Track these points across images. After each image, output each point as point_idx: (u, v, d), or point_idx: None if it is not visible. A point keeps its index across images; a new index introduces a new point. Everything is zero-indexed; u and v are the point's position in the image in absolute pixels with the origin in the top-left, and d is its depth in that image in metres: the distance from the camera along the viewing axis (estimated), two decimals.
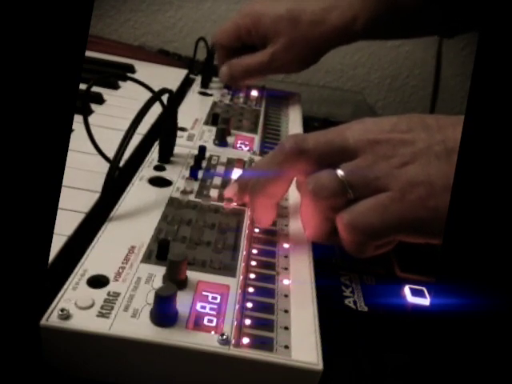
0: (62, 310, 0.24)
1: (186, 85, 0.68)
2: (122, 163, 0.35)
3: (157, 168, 0.40)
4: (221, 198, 0.38)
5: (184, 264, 0.27)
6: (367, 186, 0.31)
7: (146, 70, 0.72)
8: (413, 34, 0.67)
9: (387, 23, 0.59)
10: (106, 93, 0.59)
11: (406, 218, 0.30)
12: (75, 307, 0.25)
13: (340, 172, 0.32)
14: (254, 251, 0.32)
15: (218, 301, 0.27)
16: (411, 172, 0.31)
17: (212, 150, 0.45)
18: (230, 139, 0.48)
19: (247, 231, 0.34)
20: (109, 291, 0.26)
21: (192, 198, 0.37)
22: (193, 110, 0.55)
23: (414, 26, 0.61)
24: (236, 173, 0.42)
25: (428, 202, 0.30)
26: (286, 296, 0.29)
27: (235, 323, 0.26)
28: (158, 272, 0.28)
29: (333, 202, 0.31)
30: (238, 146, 0.48)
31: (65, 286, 0.26)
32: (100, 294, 0.26)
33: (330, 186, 0.31)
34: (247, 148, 0.48)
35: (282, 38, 0.57)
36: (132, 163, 0.42)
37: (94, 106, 0.54)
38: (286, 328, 0.26)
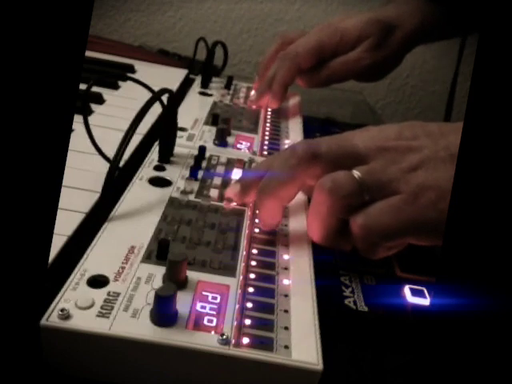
0: (62, 310, 0.24)
1: (186, 85, 0.68)
2: (122, 163, 0.35)
3: (157, 168, 0.40)
4: (221, 197, 0.38)
5: (184, 264, 0.27)
6: (381, 189, 0.32)
7: (146, 70, 0.72)
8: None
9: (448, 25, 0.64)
10: (105, 93, 0.59)
11: (418, 219, 0.31)
12: (75, 307, 0.25)
13: (357, 173, 0.32)
14: (254, 251, 0.32)
15: (218, 301, 0.27)
16: (420, 177, 0.32)
17: (212, 150, 0.45)
18: (230, 139, 0.48)
19: (247, 231, 0.34)
20: (109, 291, 0.26)
21: (192, 198, 0.37)
22: (193, 110, 0.55)
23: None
24: (236, 173, 0.42)
25: (438, 205, 0.31)
26: (286, 296, 0.29)
27: (235, 323, 0.26)
28: (158, 272, 0.28)
29: (349, 201, 0.32)
30: (238, 146, 0.48)
31: (65, 286, 0.26)
32: (100, 294, 0.26)
33: (347, 185, 0.32)
34: (247, 148, 0.48)
35: (371, 39, 0.59)
36: (132, 163, 0.42)
37: (94, 106, 0.54)
38: (286, 328, 0.26)
